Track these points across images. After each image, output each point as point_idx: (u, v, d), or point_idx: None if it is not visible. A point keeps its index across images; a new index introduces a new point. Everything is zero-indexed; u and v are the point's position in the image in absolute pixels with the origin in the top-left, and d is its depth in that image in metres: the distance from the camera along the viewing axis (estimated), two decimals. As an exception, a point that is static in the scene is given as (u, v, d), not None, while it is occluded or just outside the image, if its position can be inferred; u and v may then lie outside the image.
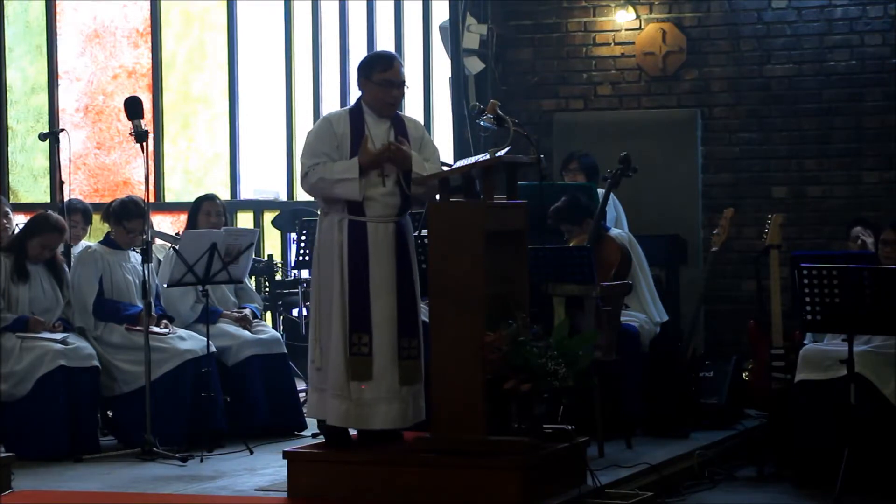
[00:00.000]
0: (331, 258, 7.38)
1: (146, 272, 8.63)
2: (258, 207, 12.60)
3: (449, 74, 11.61)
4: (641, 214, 10.50)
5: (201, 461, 8.28)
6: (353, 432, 7.49)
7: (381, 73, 7.44)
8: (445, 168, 7.59)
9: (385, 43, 12.09)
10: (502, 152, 7.22)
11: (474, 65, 11.45)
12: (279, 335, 9.68)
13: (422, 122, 7.94)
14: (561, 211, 8.94)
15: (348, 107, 7.67)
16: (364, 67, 7.51)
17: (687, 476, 8.18)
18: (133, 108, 8.70)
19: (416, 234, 8.30)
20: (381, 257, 7.33)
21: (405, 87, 7.52)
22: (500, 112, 7.58)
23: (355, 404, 7.29)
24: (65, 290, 8.93)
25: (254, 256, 9.61)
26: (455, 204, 7.20)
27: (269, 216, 12.25)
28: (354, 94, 11.90)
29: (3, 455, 7.52)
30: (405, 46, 12.11)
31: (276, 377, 9.20)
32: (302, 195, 11.46)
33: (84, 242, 9.83)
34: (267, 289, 11.43)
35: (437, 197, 7.24)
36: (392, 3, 12.11)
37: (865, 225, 9.50)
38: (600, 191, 9.40)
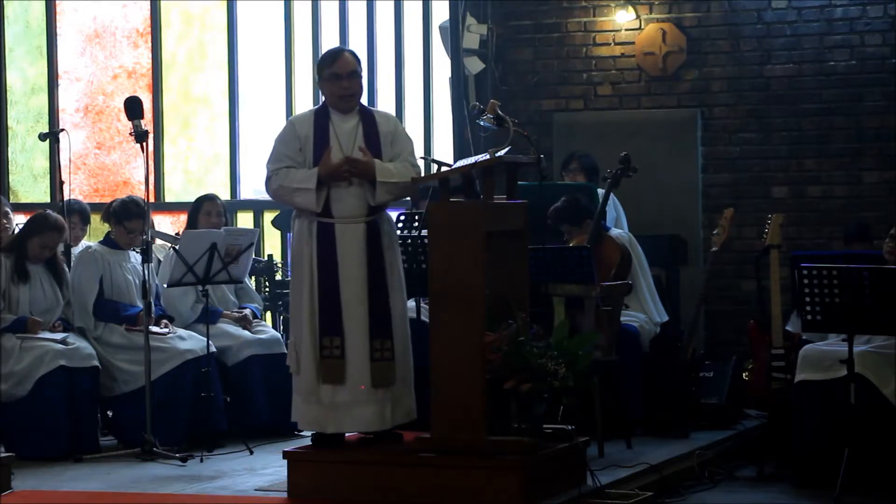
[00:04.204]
0: (301, 261, 7.38)
1: (146, 272, 8.63)
2: (258, 207, 12.59)
3: (449, 74, 11.61)
4: (641, 214, 10.49)
5: (201, 461, 8.29)
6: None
7: (328, 68, 7.46)
8: (445, 168, 7.59)
9: (385, 43, 12.09)
10: (502, 152, 7.22)
11: (474, 65, 11.45)
12: (279, 335, 9.67)
13: (395, 115, 7.78)
14: (560, 211, 8.94)
15: (314, 108, 7.65)
16: (317, 68, 7.55)
17: (687, 476, 8.17)
18: (133, 108, 8.70)
19: (416, 233, 8.31)
20: (351, 259, 7.30)
21: (358, 77, 7.47)
22: (500, 112, 7.58)
23: (327, 408, 7.28)
24: (65, 290, 8.93)
25: (254, 256, 9.61)
26: (455, 204, 7.20)
27: (269, 216, 12.24)
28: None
29: (3, 455, 7.52)
30: (405, 46, 12.10)
31: (276, 377, 9.18)
32: (302, 195, 11.43)
33: (84, 242, 9.84)
34: (267, 289, 11.43)
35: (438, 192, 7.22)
36: (392, 3, 12.11)
37: None
38: (600, 191, 9.40)
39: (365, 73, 11.93)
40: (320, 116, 7.47)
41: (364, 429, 7.33)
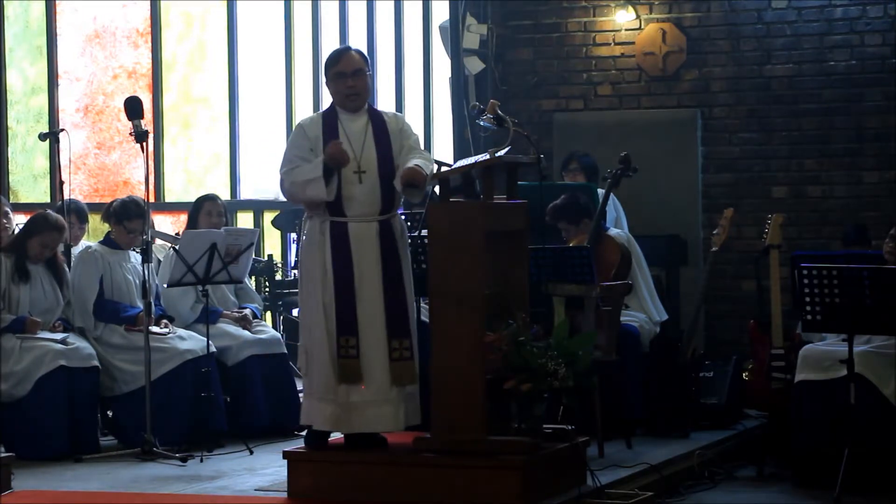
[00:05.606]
0: (314, 261, 7.34)
1: (146, 272, 8.63)
2: (258, 207, 12.60)
3: (449, 74, 11.61)
4: (641, 214, 10.49)
5: (201, 461, 8.29)
6: (336, 435, 7.47)
7: (332, 68, 7.45)
8: (445, 168, 7.58)
9: (385, 43, 12.10)
10: (502, 152, 7.22)
11: (474, 65, 11.45)
12: (279, 335, 9.68)
13: (404, 117, 7.70)
14: (559, 209, 8.94)
15: (321, 111, 7.63)
16: (324, 68, 7.54)
17: (687, 476, 8.18)
18: (133, 108, 8.69)
19: (416, 233, 8.31)
20: (365, 258, 7.27)
21: (364, 75, 7.43)
22: (500, 112, 7.58)
23: (343, 408, 7.25)
24: (65, 290, 8.93)
25: (254, 256, 9.61)
26: (455, 204, 7.20)
27: (269, 216, 12.25)
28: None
29: (3, 455, 7.52)
30: (405, 46, 12.11)
31: (276, 377, 9.21)
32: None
33: (84, 242, 9.84)
34: (267, 289, 11.44)
35: (438, 192, 7.22)
36: (392, 3, 12.11)
37: None
38: (600, 191, 9.40)
39: (366, 73, 12.03)
40: (329, 118, 7.44)
41: (378, 429, 7.28)
